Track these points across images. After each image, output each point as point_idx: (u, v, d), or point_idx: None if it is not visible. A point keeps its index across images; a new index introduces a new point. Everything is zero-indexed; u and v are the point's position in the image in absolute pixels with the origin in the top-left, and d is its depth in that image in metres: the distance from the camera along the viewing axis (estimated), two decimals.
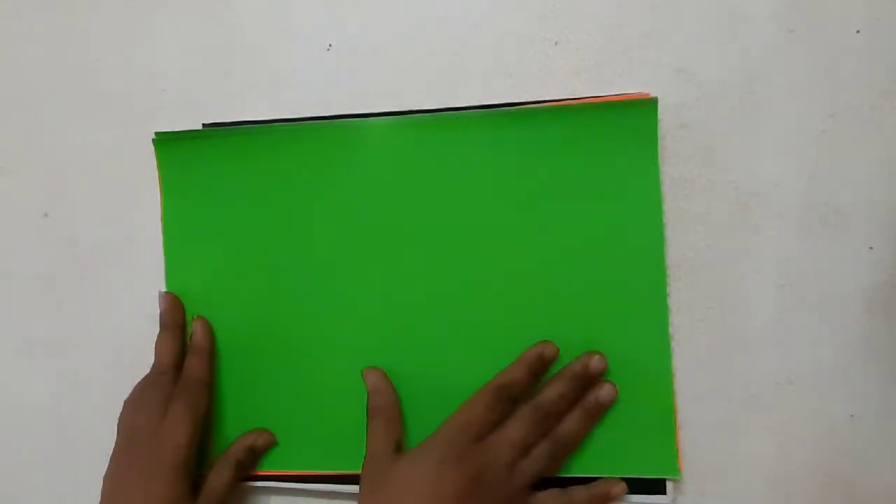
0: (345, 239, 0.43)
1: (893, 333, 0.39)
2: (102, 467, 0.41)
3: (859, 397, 0.39)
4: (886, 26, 0.40)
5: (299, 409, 0.43)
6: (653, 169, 0.40)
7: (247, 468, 0.42)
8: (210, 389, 0.42)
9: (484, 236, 0.41)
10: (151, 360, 0.44)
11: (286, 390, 0.43)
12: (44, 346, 0.47)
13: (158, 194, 0.45)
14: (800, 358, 0.40)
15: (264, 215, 0.44)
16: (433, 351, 0.41)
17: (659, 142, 0.40)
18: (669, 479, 0.39)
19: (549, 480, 0.39)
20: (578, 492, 0.39)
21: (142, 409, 0.41)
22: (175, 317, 0.44)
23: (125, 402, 0.42)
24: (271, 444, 0.43)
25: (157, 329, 0.44)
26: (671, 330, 0.40)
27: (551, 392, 0.38)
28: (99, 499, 0.40)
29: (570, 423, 0.39)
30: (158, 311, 0.44)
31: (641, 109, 0.39)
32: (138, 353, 0.45)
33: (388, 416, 0.40)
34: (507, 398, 0.38)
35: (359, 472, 0.39)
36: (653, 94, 0.39)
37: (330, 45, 0.45)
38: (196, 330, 0.43)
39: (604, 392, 0.39)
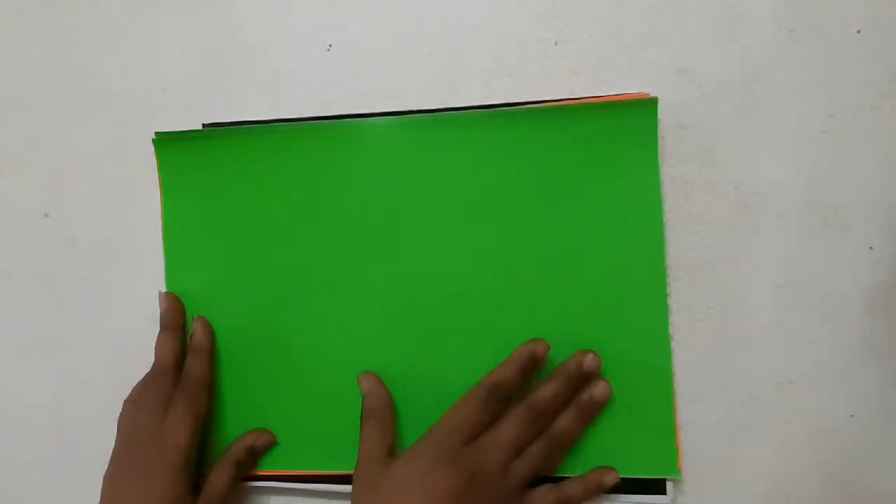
0: (344, 239, 0.43)
1: (893, 333, 0.39)
2: (102, 467, 0.41)
3: (859, 397, 0.39)
4: (886, 26, 0.40)
5: (299, 409, 0.43)
6: (653, 169, 0.40)
7: (247, 468, 0.42)
8: (210, 389, 0.42)
9: (483, 236, 0.41)
10: (151, 360, 0.44)
11: (286, 390, 0.43)
12: (44, 346, 0.47)
13: (158, 194, 0.45)
14: (800, 358, 0.40)
15: (264, 215, 0.44)
16: (433, 350, 0.41)
17: (659, 142, 0.40)
18: (669, 480, 0.39)
19: (548, 480, 0.39)
20: (571, 485, 0.39)
21: (142, 408, 0.41)
22: (175, 317, 0.44)
23: (125, 401, 0.42)
24: (271, 444, 0.43)
25: (157, 329, 0.44)
26: (671, 330, 0.40)
27: (545, 391, 0.38)
28: (99, 499, 0.40)
29: (564, 422, 0.39)
30: (158, 311, 0.44)
31: (641, 109, 0.39)
32: (138, 353, 0.45)
33: (382, 420, 0.40)
34: (500, 397, 0.38)
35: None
36: (653, 94, 0.39)
37: (330, 45, 0.45)
38: (196, 330, 0.43)
39: (598, 390, 0.39)
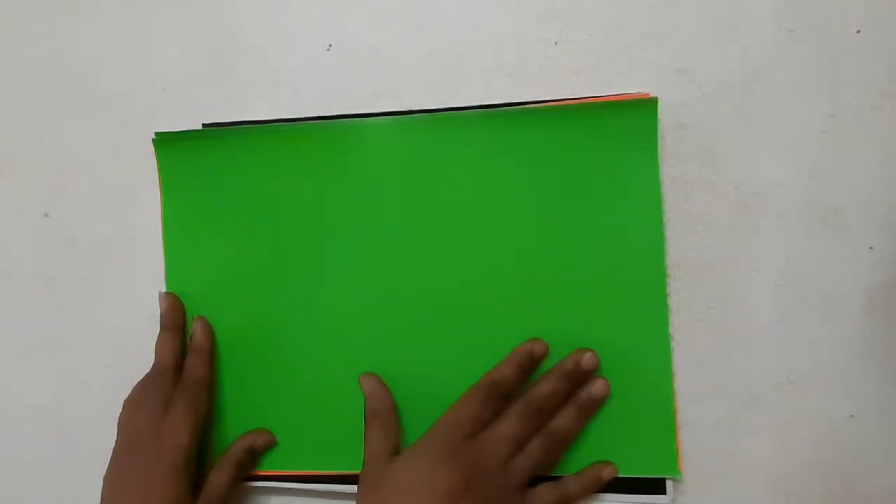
0: (344, 238, 0.43)
1: (893, 333, 0.39)
2: (102, 467, 0.41)
3: (859, 397, 0.39)
4: (886, 26, 0.40)
5: (299, 409, 0.43)
6: (653, 169, 0.40)
7: (246, 468, 0.42)
8: (210, 390, 0.42)
9: (483, 236, 0.41)
10: (151, 360, 0.44)
11: (286, 390, 0.43)
12: (44, 346, 0.47)
13: (158, 194, 0.45)
14: (800, 358, 0.40)
15: (264, 215, 0.44)
16: (434, 350, 0.41)
17: (659, 142, 0.40)
18: (669, 479, 0.39)
19: (547, 480, 0.40)
20: (571, 481, 0.39)
21: (142, 409, 0.41)
22: (175, 317, 0.44)
23: (125, 401, 0.42)
24: (270, 444, 0.43)
25: (157, 329, 0.44)
26: (671, 330, 0.40)
27: (544, 388, 0.38)
28: (99, 499, 0.40)
29: (563, 419, 0.39)
30: (158, 311, 0.44)
31: (641, 109, 0.39)
32: (138, 353, 0.45)
33: (385, 420, 0.40)
34: (499, 395, 0.38)
35: (358, 472, 0.39)
36: (653, 94, 0.39)
37: (330, 45, 0.45)
38: (196, 330, 0.43)
39: (596, 387, 0.39)
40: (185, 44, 0.47)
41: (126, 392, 0.43)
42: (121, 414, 0.42)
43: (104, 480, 0.40)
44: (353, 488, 0.40)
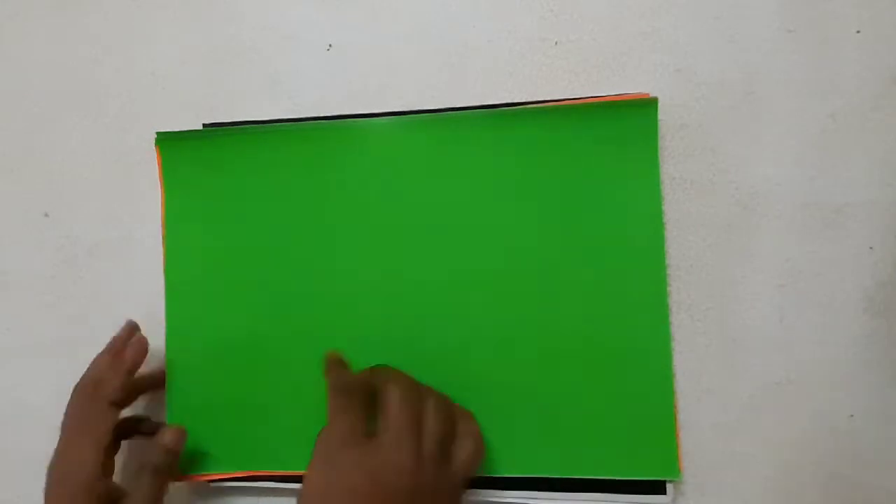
0: (344, 238, 0.43)
1: (893, 333, 0.39)
2: None
3: (859, 397, 0.39)
4: (886, 26, 0.40)
5: (298, 410, 0.43)
6: (653, 169, 0.40)
7: (169, 470, 0.41)
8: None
9: (483, 237, 0.41)
10: (150, 359, 0.44)
11: (285, 390, 0.43)
12: (44, 346, 0.47)
13: (158, 194, 0.45)
14: (800, 358, 0.40)
15: (265, 215, 0.43)
16: (435, 350, 0.41)
17: (659, 142, 0.40)
18: (670, 481, 0.39)
19: (548, 481, 0.40)
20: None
21: (83, 440, 0.40)
22: (138, 360, 0.42)
23: (76, 389, 0.41)
24: (183, 436, 0.41)
25: (156, 329, 0.44)
26: (671, 330, 0.40)
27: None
28: None
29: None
30: (123, 331, 0.43)
31: (641, 109, 0.39)
32: None
33: (351, 394, 0.38)
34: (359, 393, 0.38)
35: None
36: (653, 94, 0.39)
37: (330, 45, 0.45)
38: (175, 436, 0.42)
39: None
40: (185, 44, 0.47)
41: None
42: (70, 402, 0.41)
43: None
44: None
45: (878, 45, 0.40)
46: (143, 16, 0.47)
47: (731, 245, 0.40)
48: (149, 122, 0.46)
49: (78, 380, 0.42)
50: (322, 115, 0.44)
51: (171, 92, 0.47)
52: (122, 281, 0.47)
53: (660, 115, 0.40)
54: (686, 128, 0.41)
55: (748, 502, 0.40)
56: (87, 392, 0.42)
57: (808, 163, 0.40)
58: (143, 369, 0.43)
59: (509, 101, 0.42)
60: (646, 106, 0.39)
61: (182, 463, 0.43)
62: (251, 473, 0.43)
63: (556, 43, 0.43)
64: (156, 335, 0.44)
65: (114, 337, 0.44)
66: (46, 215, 0.48)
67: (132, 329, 0.44)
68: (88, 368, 0.42)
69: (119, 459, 0.42)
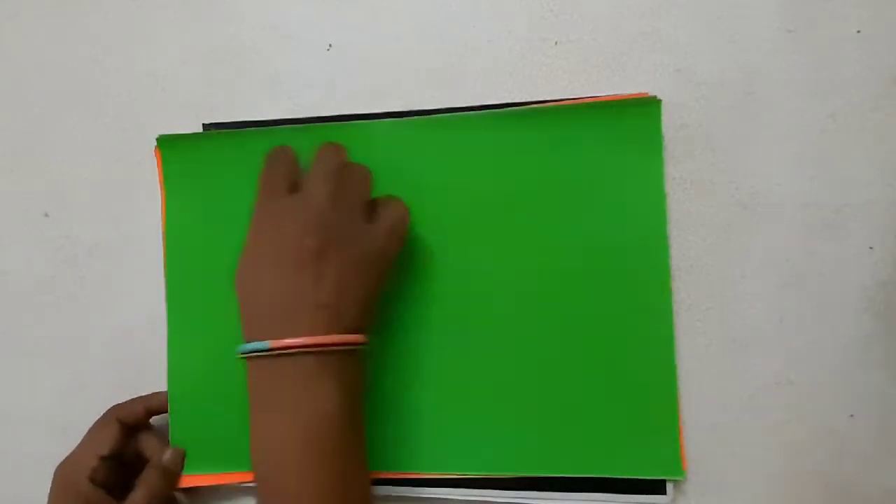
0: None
1: (893, 333, 0.39)
2: None
3: (859, 397, 0.39)
4: (886, 26, 0.40)
5: None
6: (657, 168, 0.40)
7: (166, 488, 0.41)
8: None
9: (486, 238, 0.41)
10: (151, 360, 0.44)
11: None
12: (44, 346, 0.47)
13: (158, 194, 0.45)
14: (800, 358, 0.40)
15: None
16: (437, 350, 0.41)
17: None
18: (671, 480, 0.39)
19: (547, 481, 0.40)
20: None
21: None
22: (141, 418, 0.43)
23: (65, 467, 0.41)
24: (182, 458, 0.42)
25: (156, 329, 0.44)
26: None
27: None
28: None
29: None
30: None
31: (645, 109, 0.39)
32: (138, 354, 0.45)
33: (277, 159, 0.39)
34: None
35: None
36: (652, 94, 0.39)
37: (330, 45, 0.45)
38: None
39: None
40: (186, 44, 0.47)
41: (126, 392, 0.43)
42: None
43: None
44: None
45: (878, 45, 0.40)
46: (143, 16, 0.47)
47: (731, 245, 0.40)
48: (149, 122, 0.46)
49: (85, 378, 0.43)
50: (322, 115, 0.44)
51: (171, 92, 0.47)
52: (122, 281, 0.47)
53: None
54: (686, 128, 0.41)
55: (748, 502, 0.40)
56: (107, 411, 0.43)
57: (808, 163, 0.40)
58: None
59: (509, 101, 0.42)
60: (649, 106, 0.39)
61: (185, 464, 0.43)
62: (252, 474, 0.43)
63: (556, 43, 0.43)
64: (156, 335, 0.44)
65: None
66: (46, 215, 0.48)
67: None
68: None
69: None
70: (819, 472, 0.39)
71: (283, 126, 0.44)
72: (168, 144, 0.44)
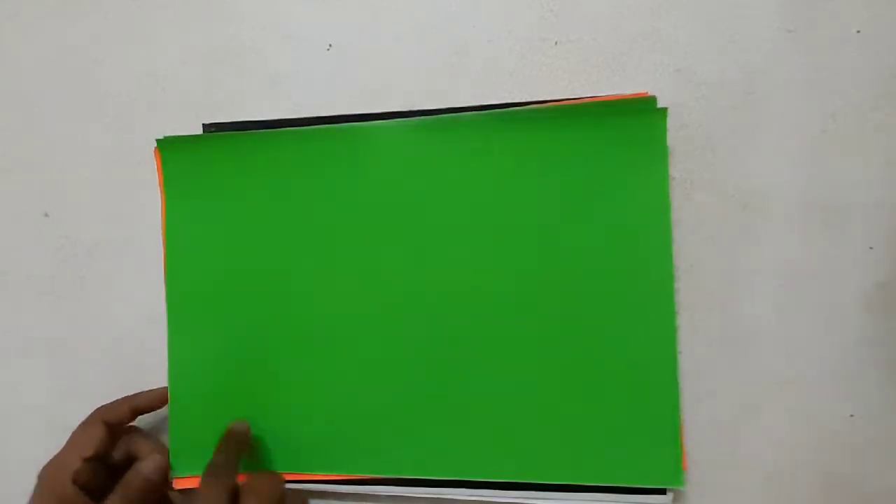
0: (346, 241, 0.42)
1: (893, 333, 0.39)
2: None
3: (859, 397, 0.39)
4: (886, 26, 0.40)
5: (300, 412, 0.43)
6: (661, 168, 0.39)
7: (148, 496, 0.41)
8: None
9: (488, 239, 0.41)
10: (151, 359, 0.44)
11: (287, 393, 0.43)
12: (44, 346, 0.47)
13: (158, 194, 0.45)
14: (800, 358, 0.40)
15: (265, 219, 0.43)
16: (438, 352, 0.41)
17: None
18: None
19: (553, 487, 0.40)
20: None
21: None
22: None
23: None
24: (164, 469, 0.41)
25: (156, 329, 0.44)
26: None
27: None
28: None
29: None
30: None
31: (648, 109, 0.39)
32: (138, 354, 0.45)
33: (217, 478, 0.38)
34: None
35: (355, 475, 0.40)
36: (652, 94, 0.39)
37: (330, 45, 0.45)
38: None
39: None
40: (185, 44, 0.47)
41: (126, 391, 0.43)
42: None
43: None
44: (351, 488, 0.41)
45: (878, 45, 0.40)
46: (143, 16, 0.47)
47: (731, 245, 0.40)
48: (149, 123, 0.46)
49: (85, 378, 0.43)
50: (322, 115, 0.44)
51: (171, 92, 0.47)
52: (122, 281, 0.47)
53: None
54: (686, 128, 0.41)
55: (748, 502, 0.40)
56: (93, 413, 0.43)
57: (808, 163, 0.40)
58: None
59: (509, 101, 0.42)
60: (652, 105, 0.39)
61: (184, 465, 0.43)
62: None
63: (556, 43, 0.43)
64: (156, 335, 0.44)
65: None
66: (46, 215, 0.48)
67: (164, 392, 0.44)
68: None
69: None
70: (819, 473, 0.39)
71: (286, 129, 0.43)
72: (168, 146, 0.44)
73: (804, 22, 0.40)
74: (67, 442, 0.42)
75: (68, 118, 0.48)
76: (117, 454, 0.42)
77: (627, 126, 0.39)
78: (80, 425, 0.42)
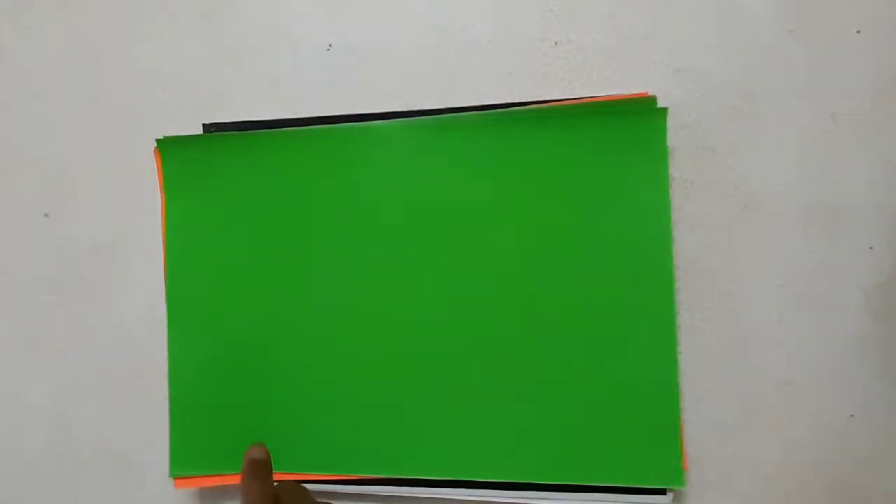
0: (346, 242, 0.42)
1: (893, 333, 0.39)
2: (103, 467, 0.41)
3: (859, 397, 0.39)
4: (886, 26, 0.40)
5: (301, 412, 0.43)
6: (662, 169, 0.39)
7: None
8: None
9: (489, 239, 0.41)
10: (151, 360, 0.44)
11: (288, 392, 0.43)
12: (44, 346, 0.47)
13: (158, 194, 0.45)
14: (800, 358, 0.40)
15: (265, 219, 0.43)
16: (438, 352, 0.41)
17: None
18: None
19: (548, 487, 0.40)
20: None
21: None
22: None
23: None
24: None
25: (157, 329, 0.44)
26: None
27: None
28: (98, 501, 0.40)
29: None
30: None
31: (648, 109, 0.39)
32: (138, 353, 0.45)
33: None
34: None
35: (355, 475, 0.40)
36: (652, 94, 0.39)
37: (330, 45, 0.45)
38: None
39: None
40: (186, 44, 0.47)
41: (126, 391, 0.43)
42: None
43: None
44: (351, 488, 0.41)
45: (878, 45, 0.40)
46: (143, 16, 0.47)
47: (731, 245, 0.40)
48: (149, 123, 0.46)
49: (85, 378, 0.42)
50: (322, 115, 0.44)
51: (171, 92, 0.47)
52: (122, 281, 0.47)
53: None
54: (686, 128, 0.41)
55: (748, 502, 0.40)
56: None
57: (808, 163, 0.40)
58: None
59: (509, 101, 0.42)
60: (652, 105, 0.39)
61: (184, 465, 0.43)
62: None
63: (556, 43, 0.43)
64: (156, 336, 0.44)
65: None
66: (46, 215, 0.48)
67: None
68: None
69: None
70: (819, 473, 0.39)
71: (286, 129, 0.43)
72: (168, 146, 0.44)
73: (804, 22, 0.40)
74: None
75: (68, 118, 0.48)
76: None
77: (627, 126, 0.39)
78: None
